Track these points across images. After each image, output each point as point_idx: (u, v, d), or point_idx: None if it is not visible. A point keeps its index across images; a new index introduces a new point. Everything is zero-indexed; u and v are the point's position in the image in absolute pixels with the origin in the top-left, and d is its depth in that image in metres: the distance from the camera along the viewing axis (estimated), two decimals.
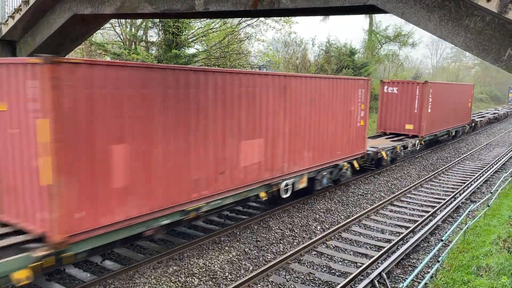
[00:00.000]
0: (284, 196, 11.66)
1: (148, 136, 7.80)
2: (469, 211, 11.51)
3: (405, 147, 19.59)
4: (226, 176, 9.62)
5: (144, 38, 24.92)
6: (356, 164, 15.39)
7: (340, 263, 9.19)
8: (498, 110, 45.29)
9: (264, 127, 10.65)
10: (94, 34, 19.09)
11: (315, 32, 52.65)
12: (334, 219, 12.02)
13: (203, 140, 8.91)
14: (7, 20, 11.12)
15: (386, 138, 20.47)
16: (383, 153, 17.19)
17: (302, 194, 13.20)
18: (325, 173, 13.52)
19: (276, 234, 10.64)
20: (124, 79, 7.35)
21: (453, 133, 26.93)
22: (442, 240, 9.50)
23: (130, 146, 7.50)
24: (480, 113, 40.27)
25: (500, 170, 19.06)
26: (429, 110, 21.70)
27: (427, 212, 12.74)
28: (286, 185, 11.61)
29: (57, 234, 6.57)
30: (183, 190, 8.59)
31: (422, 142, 21.69)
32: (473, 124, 31.51)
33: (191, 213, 8.95)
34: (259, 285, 8.08)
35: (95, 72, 6.92)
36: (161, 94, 8.00)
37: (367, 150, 16.23)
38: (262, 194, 10.97)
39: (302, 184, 12.45)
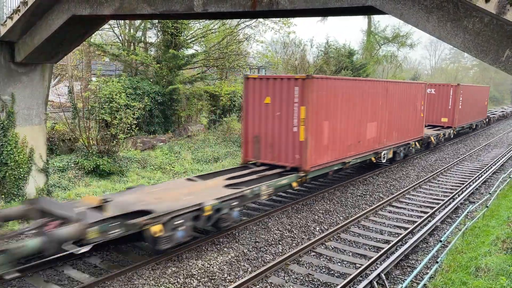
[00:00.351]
0: (383, 161, 17.57)
1: (335, 117, 13.52)
2: (468, 212, 11.52)
3: (444, 134, 25.28)
4: (360, 144, 15.33)
5: (143, 39, 24.90)
6: (418, 144, 21.27)
7: (339, 264, 9.19)
8: (505, 109, 52.92)
9: (377, 115, 16.28)
10: (93, 35, 19.07)
11: (314, 33, 52.85)
12: (333, 220, 12.02)
13: (352, 121, 14.59)
14: (6, 21, 11.10)
15: (427, 129, 25.02)
16: (432, 138, 23.21)
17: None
18: (401, 148, 19.21)
19: (275, 235, 10.63)
20: (328, 86, 13.07)
21: (474, 126, 32.30)
22: (441, 241, 9.48)
23: (329, 123, 13.22)
24: (490, 111, 45.25)
25: (499, 171, 19.09)
26: (460, 107, 26.66)
27: (426, 213, 12.76)
28: (384, 154, 17.23)
29: (306, 166, 12.44)
30: (344, 149, 14.31)
31: (455, 132, 26.92)
32: (487, 119, 37.19)
33: (346, 164, 14.64)
34: (258, 286, 8.06)
35: (320, 82, 12.70)
36: (340, 94, 13.65)
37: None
38: (373, 159, 16.71)
39: (390, 155, 18.05)
